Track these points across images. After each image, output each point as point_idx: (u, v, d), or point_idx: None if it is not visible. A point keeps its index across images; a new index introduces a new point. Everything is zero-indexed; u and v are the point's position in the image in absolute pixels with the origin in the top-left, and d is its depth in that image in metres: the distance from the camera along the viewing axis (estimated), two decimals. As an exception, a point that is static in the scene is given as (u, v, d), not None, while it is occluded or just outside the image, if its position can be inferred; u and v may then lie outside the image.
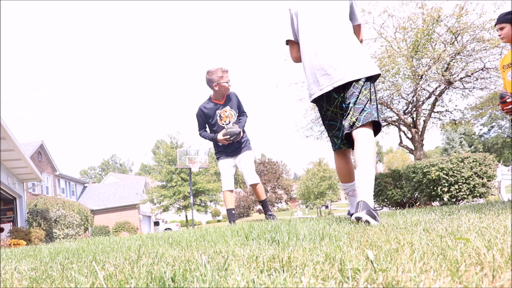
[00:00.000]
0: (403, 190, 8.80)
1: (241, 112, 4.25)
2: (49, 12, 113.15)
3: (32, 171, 11.99)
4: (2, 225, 11.88)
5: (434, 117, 12.46)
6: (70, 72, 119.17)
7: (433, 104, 11.35)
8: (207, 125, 4.23)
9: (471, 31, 9.41)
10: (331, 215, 3.66)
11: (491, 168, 7.44)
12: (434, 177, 7.53)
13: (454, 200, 7.50)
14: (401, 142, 12.48)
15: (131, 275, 0.95)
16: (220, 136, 4.02)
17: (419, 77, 10.06)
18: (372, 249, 1.06)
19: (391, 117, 12.11)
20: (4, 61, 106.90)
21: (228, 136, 3.98)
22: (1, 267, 1.61)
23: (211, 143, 4.29)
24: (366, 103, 2.21)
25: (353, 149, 2.29)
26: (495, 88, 10.35)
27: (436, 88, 10.98)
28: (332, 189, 36.70)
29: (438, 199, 7.78)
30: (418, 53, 9.85)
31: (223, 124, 4.11)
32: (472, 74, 10.04)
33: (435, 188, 7.60)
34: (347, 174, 2.54)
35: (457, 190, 7.36)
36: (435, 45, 10.09)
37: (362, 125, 2.18)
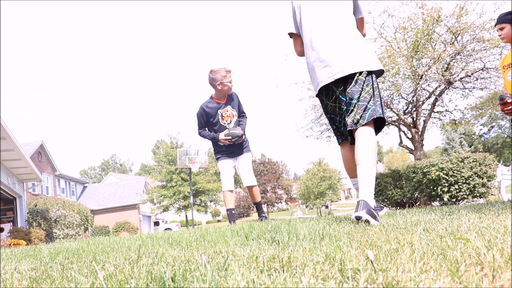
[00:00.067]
0: (403, 190, 8.80)
1: (240, 113, 4.25)
2: (49, 12, 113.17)
3: (32, 171, 11.99)
4: (2, 225, 11.88)
5: (434, 117, 12.46)
6: (70, 72, 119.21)
7: (433, 104, 11.35)
8: (207, 125, 4.23)
9: (471, 31, 9.41)
10: (331, 215, 3.66)
11: (491, 168, 7.44)
12: (434, 177, 7.53)
13: (454, 200, 7.49)
14: (401, 142, 12.48)
15: (131, 275, 0.95)
16: (221, 135, 4.02)
17: (419, 77, 10.06)
18: (372, 249, 1.05)
19: (391, 117, 12.10)
20: (4, 61, 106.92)
21: (230, 137, 3.99)
22: (1, 267, 1.61)
23: (211, 143, 4.29)
24: (370, 100, 2.19)
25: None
26: (495, 88, 10.35)
27: (436, 88, 10.98)
28: (332, 189, 36.69)
29: (438, 199, 7.78)
30: (418, 53, 9.85)
31: (225, 123, 4.12)
32: (472, 74, 10.04)
33: (435, 188, 7.60)
34: (355, 169, 2.45)
35: (457, 190, 7.36)
36: (435, 45, 10.08)
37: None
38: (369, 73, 2.24)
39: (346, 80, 2.26)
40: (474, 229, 1.31)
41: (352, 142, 2.43)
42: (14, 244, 8.95)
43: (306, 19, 2.41)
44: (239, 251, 1.25)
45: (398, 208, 8.66)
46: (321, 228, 1.78)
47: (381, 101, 2.28)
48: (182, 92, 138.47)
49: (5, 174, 10.90)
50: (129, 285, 0.85)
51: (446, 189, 7.44)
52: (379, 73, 2.38)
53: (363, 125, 2.17)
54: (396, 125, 12.20)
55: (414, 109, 11.52)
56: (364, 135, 2.15)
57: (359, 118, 2.18)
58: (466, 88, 10.91)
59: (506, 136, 28.91)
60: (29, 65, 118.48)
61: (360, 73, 2.21)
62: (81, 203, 22.09)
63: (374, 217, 1.91)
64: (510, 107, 2.99)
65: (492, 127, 30.08)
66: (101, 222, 27.60)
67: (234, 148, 4.16)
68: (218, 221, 47.85)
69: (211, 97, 4.15)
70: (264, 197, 36.56)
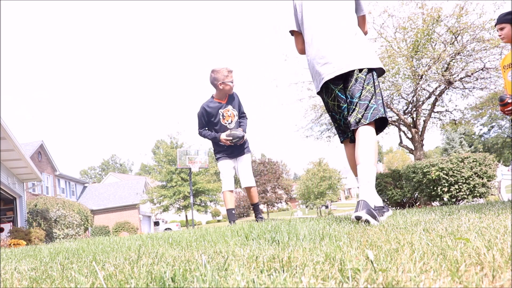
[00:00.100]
0: (403, 190, 8.80)
1: (241, 113, 4.25)
2: (49, 12, 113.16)
3: (32, 171, 11.99)
4: (2, 225, 11.88)
5: (434, 117, 12.47)
6: (70, 72, 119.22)
7: (433, 104, 11.35)
8: (208, 125, 4.23)
9: (471, 31, 9.41)
10: (331, 215, 3.65)
11: (491, 168, 7.44)
12: (434, 177, 7.53)
13: (454, 200, 7.49)
14: (401, 142, 12.48)
15: (131, 275, 0.95)
16: (223, 136, 4.02)
17: (419, 77, 10.06)
18: (372, 249, 1.05)
19: (391, 117, 12.10)
20: (4, 61, 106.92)
21: (231, 138, 3.99)
22: (1, 267, 1.61)
23: (211, 143, 4.30)
24: (371, 99, 2.18)
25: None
26: (495, 88, 10.35)
27: (436, 88, 10.98)
28: (332, 189, 36.70)
29: (438, 199, 7.78)
30: (418, 53, 9.85)
31: (226, 123, 4.12)
32: (472, 74, 10.04)
33: (435, 188, 7.60)
34: None
35: (457, 190, 7.36)
36: (435, 45, 10.08)
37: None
38: (370, 71, 2.23)
39: (346, 78, 2.25)
40: (474, 229, 1.31)
41: (352, 140, 2.42)
42: (14, 244, 8.95)
43: (307, 17, 2.41)
44: (239, 251, 1.25)
45: (398, 208, 8.66)
46: (321, 228, 1.78)
47: (382, 100, 2.27)
48: (182, 92, 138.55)
49: (5, 174, 10.90)
50: (129, 285, 0.85)
51: (446, 189, 7.44)
52: (380, 72, 2.37)
53: (364, 124, 2.16)
54: (396, 125, 12.20)
55: (414, 109, 11.52)
56: (365, 134, 2.14)
57: (360, 117, 2.17)
58: (466, 88, 10.91)
59: (506, 136, 28.90)
60: (29, 65, 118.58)
61: (360, 70, 2.20)
62: (81, 203, 22.09)
63: (374, 217, 1.91)
64: (510, 108, 2.99)
65: (492, 127, 30.08)
66: (101, 222, 27.60)
67: (235, 148, 4.16)
68: (218, 221, 47.85)
69: (212, 97, 4.15)
70: (264, 197, 36.56)
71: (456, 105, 12.08)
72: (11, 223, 12.75)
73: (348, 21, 2.33)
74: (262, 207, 36.73)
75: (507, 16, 3.08)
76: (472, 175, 7.32)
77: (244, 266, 0.93)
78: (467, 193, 7.32)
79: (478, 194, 7.35)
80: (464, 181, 7.34)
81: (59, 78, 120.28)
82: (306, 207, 40.96)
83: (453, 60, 9.97)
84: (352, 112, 2.22)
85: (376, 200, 2.27)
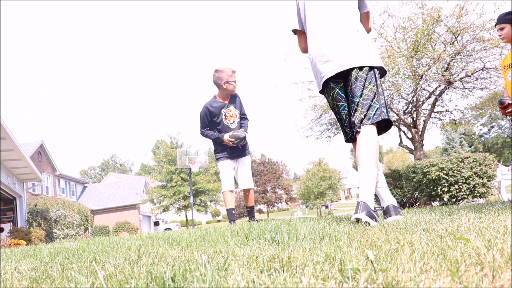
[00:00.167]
0: (403, 190, 8.80)
1: (242, 114, 4.26)
2: (49, 12, 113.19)
3: (32, 171, 11.99)
4: (2, 225, 11.88)
5: (434, 117, 12.47)
6: (70, 72, 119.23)
7: (433, 104, 11.35)
8: (210, 124, 4.23)
9: (471, 31, 9.40)
10: (331, 215, 3.65)
11: (491, 168, 7.44)
12: (434, 177, 7.53)
13: (454, 200, 7.49)
14: (401, 142, 12.48)
15: (131, 275, 0.95)
16: (226, 136, 4.03)
17: (419, 77, 10.06)
18: (372, 249, 1.05)
19: (391, 117, 12.10)
20: (4, 61, 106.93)
21: (233, 139, 4.00)
22: (1, 267, 1.61)
23: (211, 143, 4.30)
24: (373, 98, 2.15)
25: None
26: (495, 88, 10.35)
27: (436, 88, 10.98)
28: (332, 189, 36.71)
29: (438, 199, 7.78)
30: (418, 53, 9.85)
31: (228, 123, 4.12)
32: (472, 74, 10.04)
33: (435, 188, 7.60)
34: None
35: (457, 190, 7.36)
36: (435, 45, 10.08)
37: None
38: (371, 69, 2.20)
39: (347, 77, 2.23)
40: (474, 229, 1.31)
41: (353, 140, 2.41)
42: (14, 244, 8.95)
43: (310, 15, 2.40)
44: (239, 251, 1.25)
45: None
46: (321, 228, 1.78)
47: (384, 101, 2.24)
48: (182, 92, 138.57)
49: (5, 174, 10.90)
50: (129, 285, 0.85)
51: (446, 189, 7.44)
52: (382, 72, 2.34)
53: (366, 124, 2.14)
54: (396, 125, 12.20)
55: (414, 109, 11.52)
56: (366, 135, 2.12)
57: (363, 117, 2.14)
58: (466, 88, 10.91)
59: (506, 136, 28.91)
60: (29, 65, 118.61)
61: (361, 69, 2.18)
62: (81, 203, 22.09)
63: (374, 219, 1.91)
64: (511, 110, 2.98)
65: (492, 127, 30.07)
66: (101, 222, 27.60)
67: (236, 149, 4.16)
68: (218, 221, 47.86)
69: (215, 97, 4.16)
70: (264, 197, 36.55)
71: (456, 105, 12.09)
72: (11, 223, 12.75)
73: (350, 19, 2.31)
74: (262, 207, 36.70)
75: (507, 16, 3.08)
76: (472, 175, 7.32)
77: (244, 266, 0.93)
78: (467, 193, 7.31)
79: (478, 194, 7.35)
80: (464, 181, 7.34)
81: (59, 78, 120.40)
82: (306, 207, 40.98)
83: (453, 60, 9.97)
84: (354, 112, 2.19)
85: (390, 200, 2.27)
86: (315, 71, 2.38)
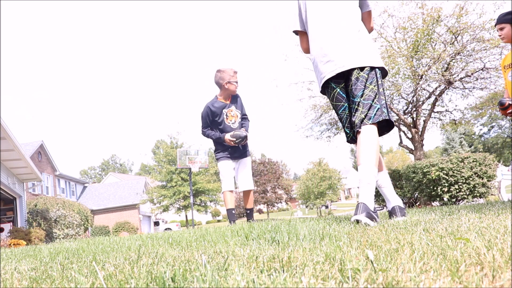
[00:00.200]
0: (403, 190, 8.80)
1: (242, 115, 4.27)
2: (49, 12, 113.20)
3: (32, 171, 11.99)
4: (2, 225, 11.88)
5: (434, 117, 12.47)
6: (70, 72, 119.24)
7: (433, 104, 11.35)
8: (211, 124, 4.23)
9: (471, 31, 9.40)
10: (331, 215, 3.65)
11: (491, 168, 7.43)
12: (434, 177, 7.52)
13: (454, 200, 7.49)
14: (401, 142, 12.48)
15: (131, 275, 0.95)
16: (227, 136, 4.03)
17: (419, 77, 10.06)
18: (372, 249, 1.05)
19: (391, 117, 12.11)
20: (4, 61, 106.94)
21: (235, 139, 4.00)
22: (1, 267, 1.61)
23: (211, 143, 4.30)
24: (374, 98, 2.14)
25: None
26: (495, 88, 10.35)
27: (436, 88, 10.98)
28: (332, 189, 36.71)
29: (438, 199, 7.78)
30: (418, 53, 9.85)
31: (229, 123, 4.13)
32: (472, 74, 10.04)
33: (435, 188, 7.60)
34: None
35: (457, 190, 7.36)
36: (435, 45, 10.08)
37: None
38: (372, 69, 2.19)
39: (348, 77, 2.22)
40: (474, 229, 1.31)
41: (354, 140, 2.41)
42: (14, 244, 8.96)
43: (311, 16, 2.40)
44: (239, 251, 1.25)
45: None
46: (321, 228, 1.78)
47: (386, 101, 2.23)
48: (182, 92, 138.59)
49: (5, 174, 10.90)
50: (129, 285, 0.85)
51: (446, 189, 7.44)
52: (384, 73, 2.33)
53: (367, 124, 2.13)
54: (396, 125, 12.20)
55: (414, 109, 11.52)
56: (366, 135, 2.11)
57: (363, 117, 2.13)
58: (466, 88, 10.92)
59: (506, 136, 28.91)
60: (29, 65, 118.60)
61: (362, 69, 2.17)
62: (81, 203, 22.09)
63: (373, 219, 1.91)
64: (511, 110, 2.98)
65: (492, 127, 30.07)
66: (101, 222, 27.60)
67: (237, 150, 4.17)
68: (218, 221, 47.86)
69: (216, 97, 4.17)
70: (264, 197, 36.55)
71: (456, 105, 12.09)
72: (11, 223, 12.75)
73: (351, 19, 2.30)
74: (262, 207, 36.65)
75: (507, 16, 3.08)
76: (472, 175, 7.32)
77: (244, 266, 0.93)
78: (467, 193, 7.31)
79: (478, 194, 7.35)
80: (464, 181, 7.34)
81: (59, 78, 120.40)
82: (306, 207, 40.98)
83: (453, 60, 9.97)
84: (355, 112, 2.18)
85: (396, 201, 2.27)
86: (316, 71, 2.38)
